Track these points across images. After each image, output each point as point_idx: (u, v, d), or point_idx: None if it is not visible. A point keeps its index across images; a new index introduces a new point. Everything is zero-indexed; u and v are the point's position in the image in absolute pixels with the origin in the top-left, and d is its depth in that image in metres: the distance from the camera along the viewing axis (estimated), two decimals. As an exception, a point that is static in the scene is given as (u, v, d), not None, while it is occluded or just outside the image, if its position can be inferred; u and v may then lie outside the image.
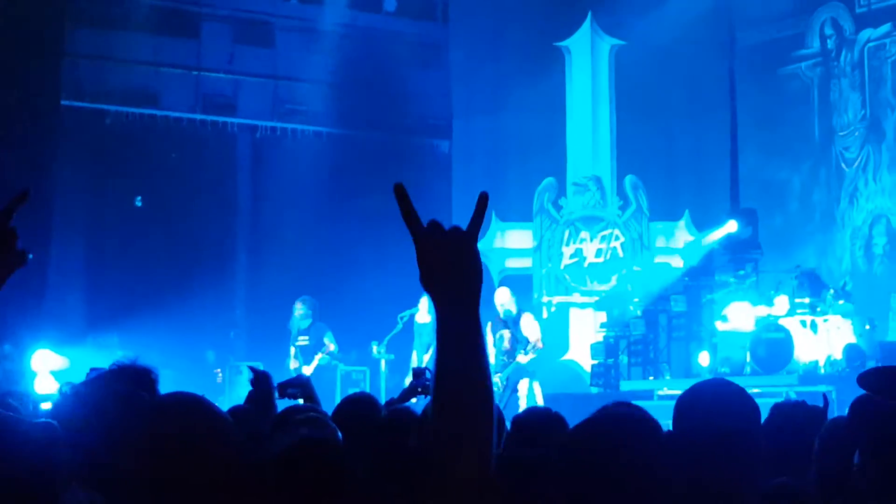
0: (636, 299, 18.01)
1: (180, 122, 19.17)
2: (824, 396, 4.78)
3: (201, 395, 2.81)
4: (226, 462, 2.60)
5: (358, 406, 5.69)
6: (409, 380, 13.55)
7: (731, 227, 17.40)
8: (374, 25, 20.55)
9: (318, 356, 15.97)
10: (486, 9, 20.09)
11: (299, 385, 6.45)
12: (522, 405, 14.22)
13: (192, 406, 2.71)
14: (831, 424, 4.57)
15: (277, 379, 6.57)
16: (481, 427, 2.26)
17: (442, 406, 2.27)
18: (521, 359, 14.64)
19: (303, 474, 2.85)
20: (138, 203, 18.59)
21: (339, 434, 4.66)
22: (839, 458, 4.12)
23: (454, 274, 2.25)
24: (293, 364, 16.13)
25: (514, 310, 14.91)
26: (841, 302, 15.06)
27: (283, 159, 19.55)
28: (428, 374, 6.84)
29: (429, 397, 6.64)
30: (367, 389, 16.13)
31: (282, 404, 6.18)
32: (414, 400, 6.84)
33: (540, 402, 14.47)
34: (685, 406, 3.54)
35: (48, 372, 14.01)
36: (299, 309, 16.13)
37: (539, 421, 4.93)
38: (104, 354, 15.37)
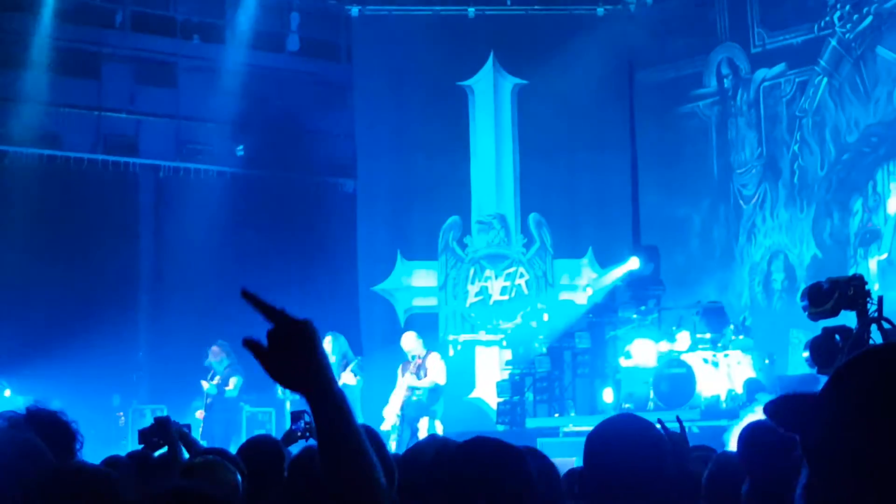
0: (541, 336, 18.11)
1: (81, 162, 18.95)
2: (678, 420, 4.80)
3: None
4: None
5: (261, 449, 5.66)
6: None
7: (634, 263, 17.60)
8: (277, 65, 20.54)
9: (205, 384, 15.93)
10: (389, 48, 20.18)
11: (158, 431, 6.21)
12: (423, 445, 14.19)
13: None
14: (721, 457, 4.64)
15: (183, 420, 6.51)
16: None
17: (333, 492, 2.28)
18: (409, 380, 14.62)
19: None
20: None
21: (239, 478, 4.63)
22: (728, 490, 4.18)
23: (308, 367, 2.27)
24: (200, 414, 16.03)
25: (420, 353, 14.95)
26: (741, 337, 15.27)
27: (186, 200, 19.40)
28: (307, 417, 6.79)
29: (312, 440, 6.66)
30: (273, 430, 16.04)
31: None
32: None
33: (442, 441, 14.44)
34: (595, 443, 3.57)
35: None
36: (215, 354, 16.07)
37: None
38: (4, 399, 15.12)
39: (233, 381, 16.01)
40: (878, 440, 1.54)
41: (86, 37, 19.21)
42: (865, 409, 1.57)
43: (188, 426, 6.46)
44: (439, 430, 14.71)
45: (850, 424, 1.56)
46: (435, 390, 14.80)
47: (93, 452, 4.74)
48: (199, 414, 16.03)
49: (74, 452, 3.85)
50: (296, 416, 6.88)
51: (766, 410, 1.76)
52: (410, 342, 15.13)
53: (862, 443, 1.55)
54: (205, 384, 16.06)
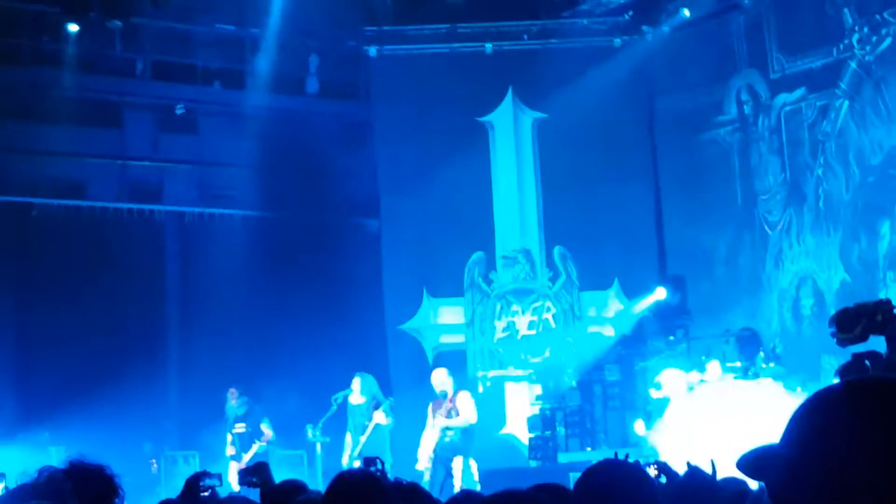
0: (570, 370, 18.07)
1: (106, 211, 19.06)
2: (711, 462, 4.77)
3: None
4: None
5: (290, 496, 5.65)
6: (357, 463, 13.53)
7: (661, 294, 17.56)
8: (298, 107, 20.61)
9: (256, 445, 15.93)
10: (408, 86, 20.25)
11: (258, 472, 6.42)
12: (457, 484, 14.17)
13: None
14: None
15: (214, 468, 6.52)
16: None
17: None
18: (441, 421, 14.62)
19: None
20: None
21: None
22: None
23: None
24: (230, 451, 16.06)
25: (450, 390, 14.92)
26: (771, 365, 15.18)
27: (212, 245, 19.46)
28: (379, 464, 6.86)
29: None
30: (305, 473, 16.02)
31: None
32: None
33: (476, 479, 14.45)
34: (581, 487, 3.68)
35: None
36: (234, 396, 16.15)
37: None
38: (36, 451, 15.15)
39: (266, 429, 16.05)
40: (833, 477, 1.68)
41: (107, 87, 19.35)
42: (818, 450, 1.70)
43: (219, 476, 6.49)
44: (473, 468, 14.66)
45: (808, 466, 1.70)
46: (467, 429, 14.77)
47: (127, 502, 4.74)
48: (230, 451, 16.05)
49: None
50: (368, 462, 6.97)
51: (737, 465, 1.88)
52: (441, 379, 15.10)
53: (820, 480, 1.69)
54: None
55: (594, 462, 3.93)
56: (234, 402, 16.23)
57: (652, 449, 15.08)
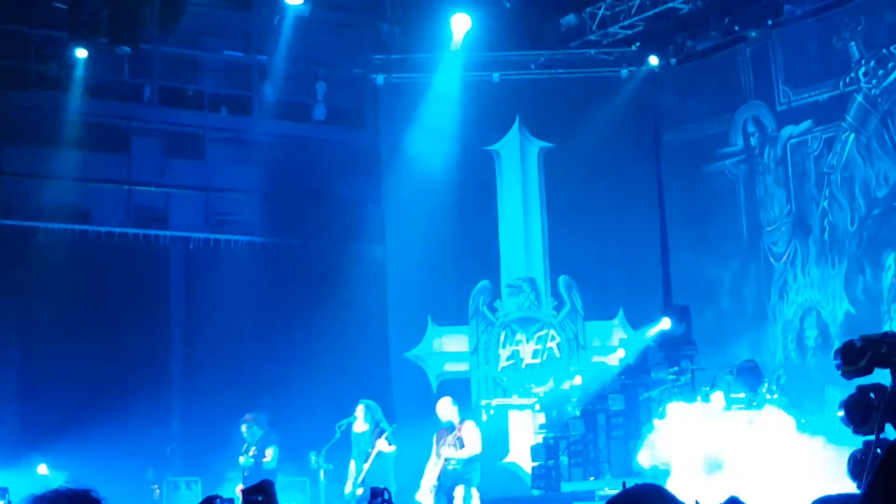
0: (574, 399, 18.03)
1: (112, 236, 19.08)
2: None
3: None
4: None
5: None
6: (360, 490, 13.47)
7: (665, 324, 17.54)
8: (305, 134, 20.67)
9: (242, 458, 15.93)
10: (415, 115, 20.28)
11: (261, 490, 6.38)
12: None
13: None
14: None
15: (219, 492, 6.51)
16: None
17: None
18: (446, 451, 14.60)
19: None
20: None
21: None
22: None
23: None
24: (240, 489, 16.03)
25: (455, 419, 14.90)
26: (775, 396, 15.14)
27: (217, 271, 19.48)
28: (387, 495, 6.83)
29: None
30: (308, 500, 15.98)
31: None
32: None
33: (476, 510, 14.45)
34: None
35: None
36: (247, 423, 16.13)
37: None
38: (40, 476, 15.12)
39: (269, 452, 16.01)
40: None
41: (115, 112, 19.41)
42: None
43: (231, 501, 6.47)
44: (476, 497, 14.62)
45: None
46: (471, 458, 14.75)
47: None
48: (239, 489, 15.98)
49: None
50: (375, 493, 6.94)
51: None
52: (446, 408, 15.08)
53: None
54: (242, 459, 16.02)
55: (611, 491, 3.89)
56: (244, 428, 16.21)
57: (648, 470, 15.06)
